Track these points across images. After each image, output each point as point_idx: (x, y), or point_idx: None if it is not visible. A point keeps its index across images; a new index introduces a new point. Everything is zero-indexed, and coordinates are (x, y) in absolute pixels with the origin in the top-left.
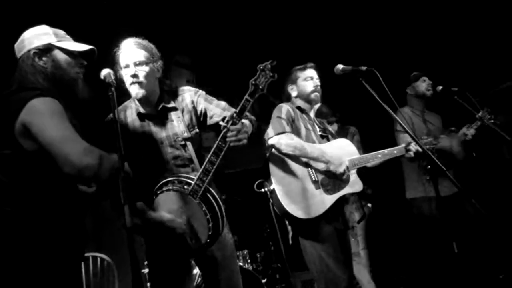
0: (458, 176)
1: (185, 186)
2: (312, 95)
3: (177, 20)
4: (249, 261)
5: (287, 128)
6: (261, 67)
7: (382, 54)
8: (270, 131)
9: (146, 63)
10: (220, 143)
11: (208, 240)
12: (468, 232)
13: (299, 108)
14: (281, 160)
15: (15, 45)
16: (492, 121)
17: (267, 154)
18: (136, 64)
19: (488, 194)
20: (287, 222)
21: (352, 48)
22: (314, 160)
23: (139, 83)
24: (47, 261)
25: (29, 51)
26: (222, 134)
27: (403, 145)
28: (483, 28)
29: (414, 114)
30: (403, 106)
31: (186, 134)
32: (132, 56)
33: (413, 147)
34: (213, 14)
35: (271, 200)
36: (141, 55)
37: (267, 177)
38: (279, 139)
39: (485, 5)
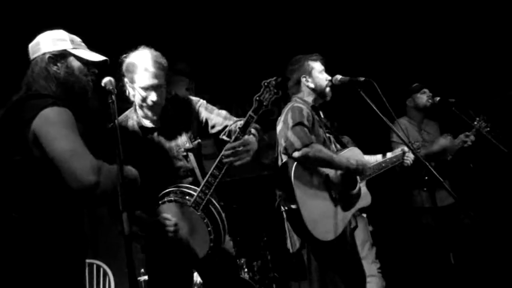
0: (454, 187)
1: (187, 197)
2: (327, 90)
3: (176, 27)
4: (245, 270)
5: (313, 138)
6: (266, 83)
7: (380, 65)
8: (294, 141)
9: (164, 85)
10: (222, 157)
11: (209, 252)
12: (465, 242)
13: (313, 107)
14: (306, 179)
15: (30, 46)
16: (488, 129)
17: (292, 170)
18: (157, 88)
19: (485, 205)
20: (291, 231)
21: (350, 59)
22: (344, 169)
23: (158, 105)
24: (54, 267)
25: (44, 54)
26: (225, 149)
27: (399, 150)
28: (481, 39)
29: (411, 124)
30: (400, 117)
31: (188, 145)
32: (155, 79)
33: (410, 155)
34: (212, 22)
35: (287, 222)
36: (162, 78)
37: (279, 187)
38: (307, 152)
39: (483, 16)
